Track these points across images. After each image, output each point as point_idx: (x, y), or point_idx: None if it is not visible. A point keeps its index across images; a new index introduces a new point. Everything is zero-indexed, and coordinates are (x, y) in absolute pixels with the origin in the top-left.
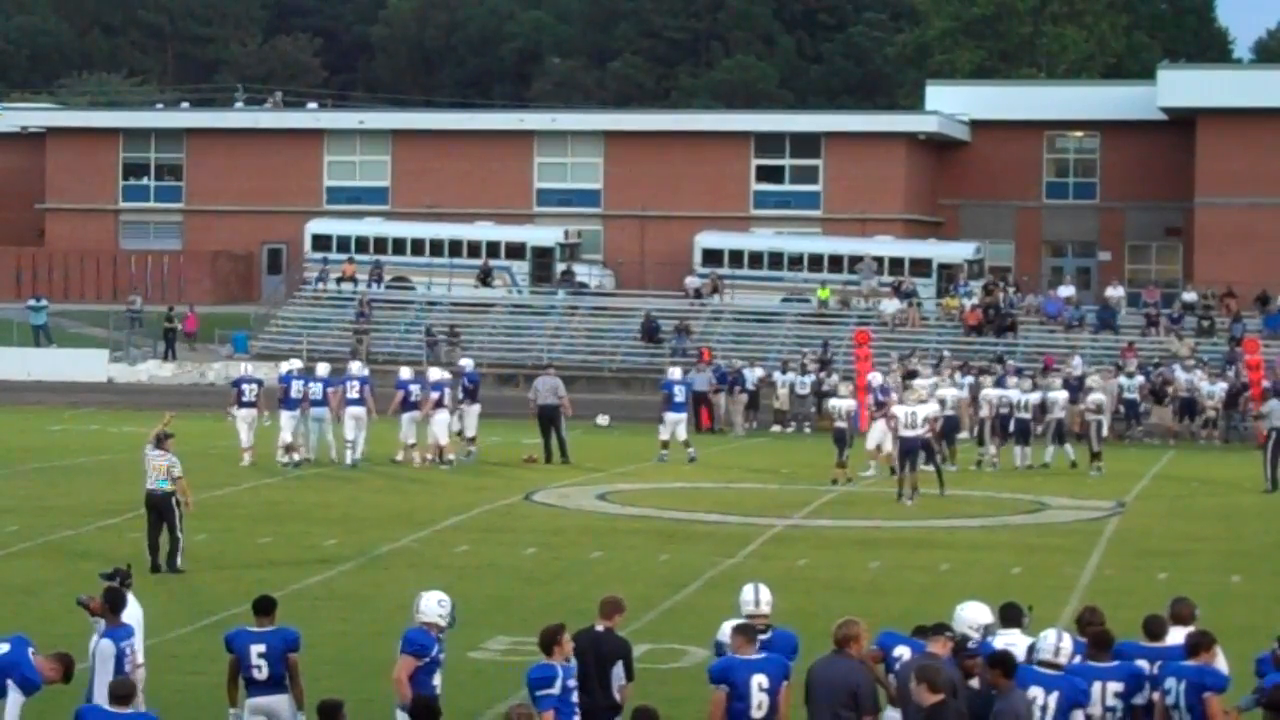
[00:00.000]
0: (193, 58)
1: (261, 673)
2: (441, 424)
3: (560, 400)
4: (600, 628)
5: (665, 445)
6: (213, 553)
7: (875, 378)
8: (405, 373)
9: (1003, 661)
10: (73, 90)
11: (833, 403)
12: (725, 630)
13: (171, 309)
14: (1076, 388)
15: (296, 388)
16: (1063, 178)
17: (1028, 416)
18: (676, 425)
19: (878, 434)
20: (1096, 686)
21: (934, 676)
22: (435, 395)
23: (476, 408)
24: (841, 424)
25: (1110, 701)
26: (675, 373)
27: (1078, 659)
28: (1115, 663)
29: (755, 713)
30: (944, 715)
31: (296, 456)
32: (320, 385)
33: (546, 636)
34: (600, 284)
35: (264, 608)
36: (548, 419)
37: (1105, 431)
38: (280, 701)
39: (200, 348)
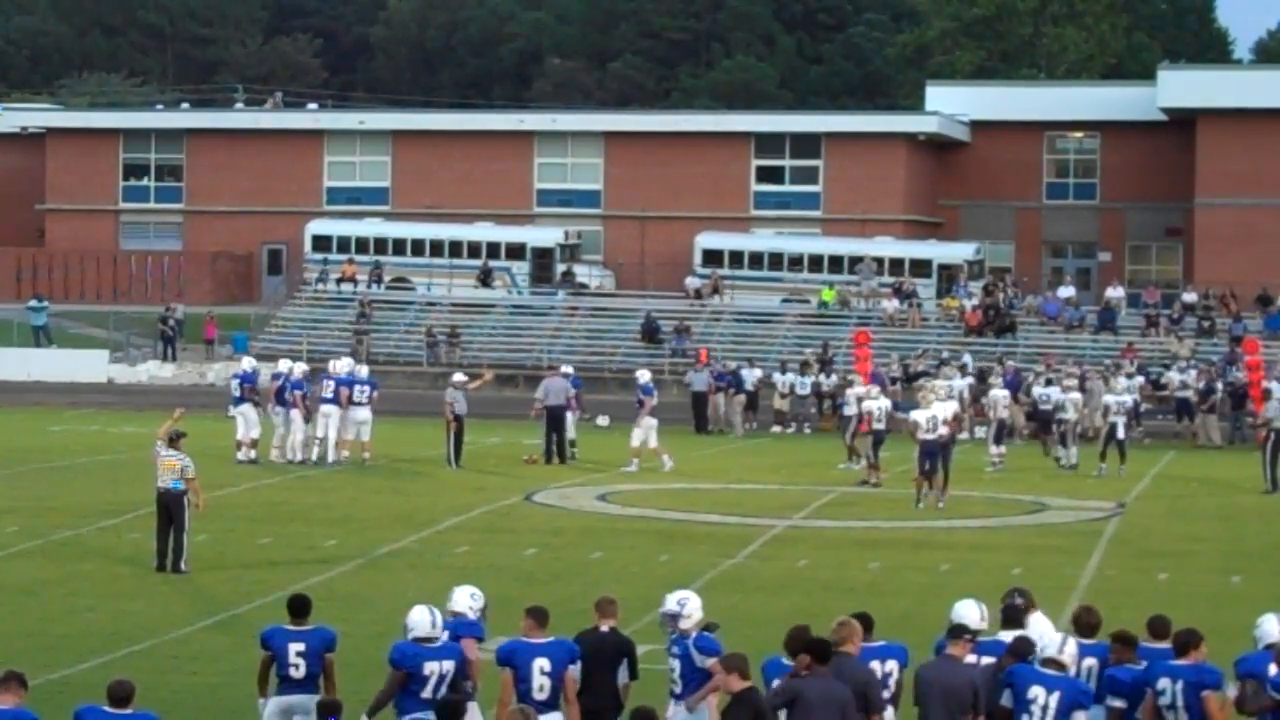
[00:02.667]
0: (193, 58)
1: (299, 671)
2: (359, 422)
3: (568, 400)
4: (604, 628)
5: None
6: (214, 553)
7: (643, 374)
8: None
9: (814, 648)
10: (73, 91)
11: (866, 404)
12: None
13: (169, 309)
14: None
15: (234, 385)
16: (1063, 178)
17: (1071, 417)
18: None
19: (642, 432)
20: (1149, 692)
21: (741, 665)
22: (346, 391)
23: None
24: (877, 425)
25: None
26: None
27: (1144, 664)
28: (1144, 664)
29: (537, 694)
30: (751, 700)
31: (253, 454)
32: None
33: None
34: (600, 285)
35: (301, 608)
36: (555, 419)
37: (1121, 433)
38: (314, 701)
39: (198, 348)
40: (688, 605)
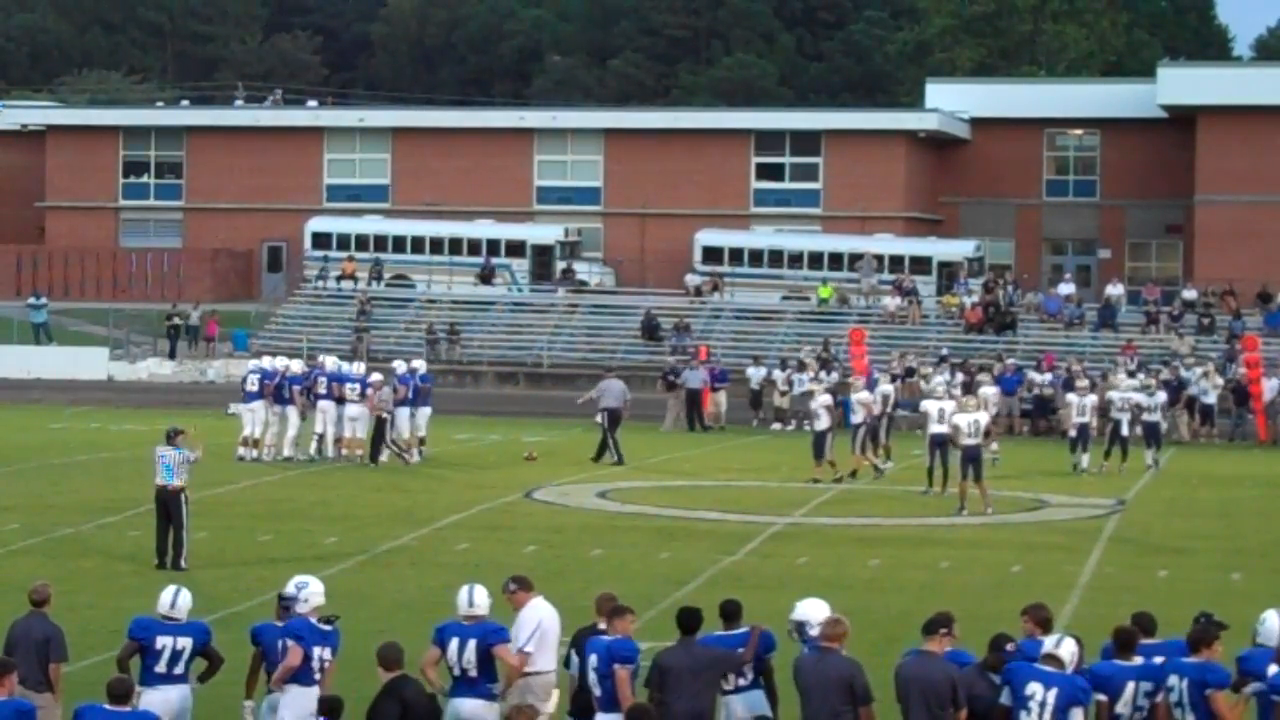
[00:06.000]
0: (193, 55)
1: None
2: (352, 419)
3: (624, 404)
4: (603, 625)
5: (423, 442)
6: (213, 550)
7: (419, 364)
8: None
9: (680, 621)
10: (73, 88)
11: (818, 399)
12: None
13: (174, 306)
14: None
15: (251, 380)
16: (1063, 175)
17: (1086, 420)
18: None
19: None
20: (1130, 686)
21: (390, 653)
22: (339, 387)
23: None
24: (818, 423)
25: (1141, 701)
26: (421, 365)
27: (1139, 660)
28: (1140, 661)
29: (594, 689)
30: (397, 689)
31: (256, 452)
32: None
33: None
34: (600, 282)
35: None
36: (613, 421)
37: (1125, 430)
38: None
39: (198, 345)
40: (305, 590)
